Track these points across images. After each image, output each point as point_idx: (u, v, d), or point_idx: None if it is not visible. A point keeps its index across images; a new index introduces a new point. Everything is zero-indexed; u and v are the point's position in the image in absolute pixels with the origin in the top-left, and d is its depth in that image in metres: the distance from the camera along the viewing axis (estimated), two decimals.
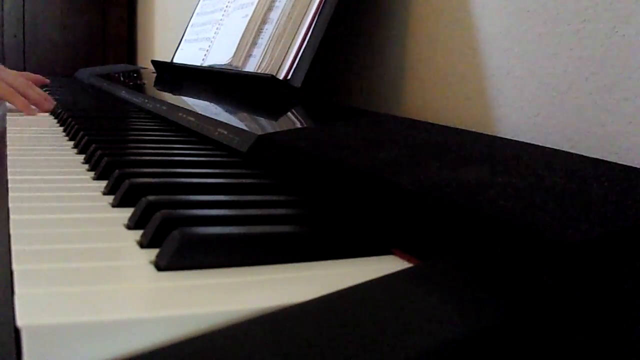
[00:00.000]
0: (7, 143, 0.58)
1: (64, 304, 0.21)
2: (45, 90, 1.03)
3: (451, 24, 0.67)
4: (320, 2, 0.73)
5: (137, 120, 0.77)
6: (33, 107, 0.91)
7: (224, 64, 0.90)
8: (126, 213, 0.34)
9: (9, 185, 0.40)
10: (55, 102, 0.95)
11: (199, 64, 1.01)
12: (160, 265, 0.26)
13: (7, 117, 0.81)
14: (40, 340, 0.19)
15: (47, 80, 1.17)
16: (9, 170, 0.45)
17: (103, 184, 0.42)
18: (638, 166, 0.36)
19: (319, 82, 0.87)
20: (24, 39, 2.10)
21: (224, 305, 0.23)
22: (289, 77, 0.72)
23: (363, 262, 0.29)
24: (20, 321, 0.20)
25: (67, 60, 2.14)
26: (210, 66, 0.96)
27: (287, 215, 0.34)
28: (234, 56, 0.88)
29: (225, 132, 0.55)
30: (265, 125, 0.57)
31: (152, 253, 0.28)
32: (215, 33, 1.02)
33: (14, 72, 1.01)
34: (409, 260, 0.29)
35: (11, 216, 0.33)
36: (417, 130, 0.49)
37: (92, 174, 0.46)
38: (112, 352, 0.20)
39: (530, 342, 0.22)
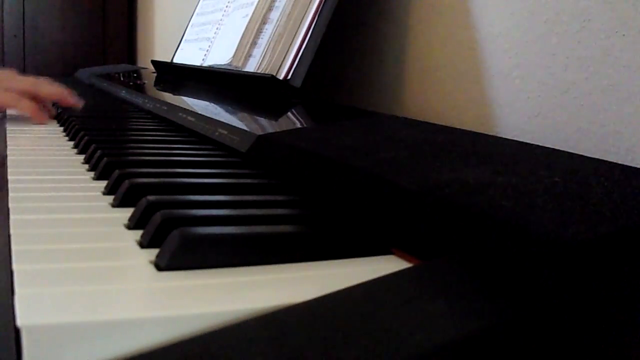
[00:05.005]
0: (7, 143, 0.58)
1: (64, 303, 0.21)
2: None
3: (451, 24, 0.67)
4: (320, 2, 0.73)
5: (137, 120, 0.77)
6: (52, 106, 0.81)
7: (224, 64, 0.90)
8: (126, 213, 0.34)
9: (9, 185, 0.40)
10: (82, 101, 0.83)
11: (199, 64, 1.01)
12: (160, 265, 0.26)
13: (7, 117, 0.81)
14: (40, 340, 0.19)
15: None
16: (9, 170, 0.45)
17: (103, 184, 0.42)
18: (638, 166, 0.36)
19: (319, 82, 0.87)
20: (24, 39, 2.10)
21: (224, 305, 0.23)
22: (289, 77, 0.72)
23: (363, 262, 0.29)
24: (20, 321, 0.20)
25: (67, 60, 2.13)
26: (210, 66, 0.96)
27: (287, 215, 0.34)
28: (234, 56, 0.87)
29: (225, 132, 0.55)
30: (265, 125, 0.57)
31: (152, 253, 0.28)
32: (215, 33, 1.02)
33: (24, 77, 0.82)
34: (409, 260, 0.29)
35: (11, 216, 0.33)
36: (417, 130, 0.49)
37: (92, 174, 0.46)
38: (112, 352, 0.20)
39: (530, 342, 0.22)
